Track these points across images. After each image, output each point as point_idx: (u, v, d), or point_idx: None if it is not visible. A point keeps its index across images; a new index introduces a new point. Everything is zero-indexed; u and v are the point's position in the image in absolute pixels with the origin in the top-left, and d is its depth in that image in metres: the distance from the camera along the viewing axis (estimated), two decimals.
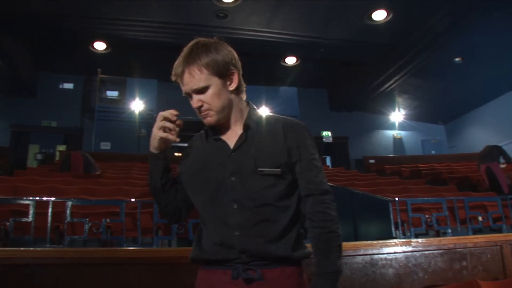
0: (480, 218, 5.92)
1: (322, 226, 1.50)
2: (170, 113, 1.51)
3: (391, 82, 14.41)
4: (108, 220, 4.88)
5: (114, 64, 13.03)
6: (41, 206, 4.65)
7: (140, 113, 13.88)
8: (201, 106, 1.51)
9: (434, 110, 16.69)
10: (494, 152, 8.63)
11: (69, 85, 14.20)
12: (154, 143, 1.55)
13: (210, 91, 1.50)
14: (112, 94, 14.09)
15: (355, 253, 3.37)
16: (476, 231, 5.70)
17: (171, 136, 1.51)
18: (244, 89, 1.63)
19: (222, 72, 1.51)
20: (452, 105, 15.95)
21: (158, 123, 1.51)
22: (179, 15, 10.75)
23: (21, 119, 13.07)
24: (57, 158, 11.50)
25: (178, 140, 1.52)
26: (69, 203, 4.73)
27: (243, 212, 1.48)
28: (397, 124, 17.49)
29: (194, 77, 1.48)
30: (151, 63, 13.13)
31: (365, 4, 10.39)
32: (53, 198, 4.86)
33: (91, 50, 12.41)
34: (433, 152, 17.06)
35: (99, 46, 12.28)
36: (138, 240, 4.94)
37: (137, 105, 13.88)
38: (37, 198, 4.76)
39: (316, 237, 1.50)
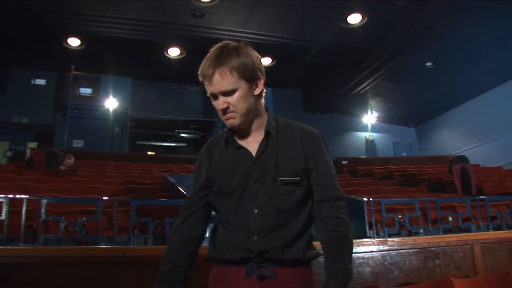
0: (450, 219, 6.05)
1: (337, 229, 1.56)
2: None
3: (364, 85, 14.64)
4: (84, 219, 4.80)
5: (88, 60, 12.81)
6: (13, 204, 4.54)
7: (114, 111, 13.67)
8: (227, 108, 1.54)
9: (405, 113, 17.01)
10: (464, 158, 8.94)
11: (41, 81, 13.91)
12: None
13: (237, 94, 1.53)
14: (86, 91, 13.82)
15: None
16: (446, 231, 5.80)
17: None
18: (264, 94, 1.66)
19: (249, 77, 1.55)
20: (422, 109, 16.30)
21: None
22: (156, 13, 10.66)
23: None
24: (27, 155, 11.24)
25: None
26: (44, 201, 4.63)
27: (263, 217, 1.53)
28: (369, 126, 17.73)
29: (224, 79, 1.51)
30: (125, 60, 13.02)
31: (341, 7, 10.53)
32: (27, 196, 4.74)
33: (65, 46, 12.17)
34: (404, 154, 17.35)
35: (73, 42, 12.07)
36: (114, 239, 4.87)
37: (110, 103, 13.67)
38: (11, 195, 4.64)
39: (330, 240, 1.57)
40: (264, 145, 1.59)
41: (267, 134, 1.61)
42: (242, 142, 1.63)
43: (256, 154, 1.58)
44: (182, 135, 16.32)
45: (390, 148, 18.00)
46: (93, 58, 12.73)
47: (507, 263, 4.00)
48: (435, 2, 9.88)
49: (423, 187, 9.46)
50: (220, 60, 1.50)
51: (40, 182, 7.12)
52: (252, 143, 1.61)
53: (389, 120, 17.76)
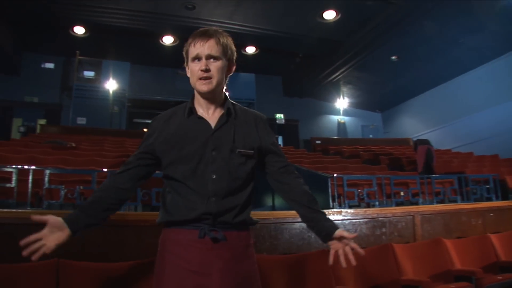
0: (402, 193, 6.26)
1: (302, 187, 1.71)
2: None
3: (337, 74, 14.71)
4: (81, 187, 4.89)
5: (91, 46, 12.73)
6: (22, 174, 4.61)
7: (113, 92, 13.64)
8: (208, 70, 1.57)
9: (373, 100, 17.11)
10: (428, 141, 9.05)
11: (50, 65, 13.83)
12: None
13: (218, 63, 1.59)
14: (89, 74, 13.73)
15: (294, 221, 3.57)
16: (398, 204, 5.93)
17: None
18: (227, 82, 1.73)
19: (229, 57, 1.65)
20: (387, 96, 16.41)
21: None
22: (152, 5, 10.60)
23: (5, 95, 12.68)
24: (38, 131, 11.28)
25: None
26: (47, 171, 4.72)
27: (221, 182, 1.56)
28: (341, 110, 17.70)
29: (215, 45, 1.58)
30: (124, 47, 12.92)
31: (317, 4, 10.60)
32: (33, 167, 4.82)
33: (71, 34, 12.11)
34: (370, 136, 17.39)
35: (79, 30, 12.04)
36: None
37: (111, 85, 13.60)
38: (19, 166, 4.72)
39: (306, 193, 1.70)
40: (223, 120, 1.63)
41: (228, 111, 1.65)
42: (202, 115, 1.65)
43: (215, 126, 1.61)
44: None
45: (359, 130, 18.05)
46: (95, 44, 12.65)
47: (440, 231, 4.24)
48: (399, 3, 10.01)
49: (384, 166, 9.59)
50: (214, 33, 1.60)
51: (47, 155, 7.16)
52: (212, 117, 1.64)
53: (358, 105, 17.86)
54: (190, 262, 1.52)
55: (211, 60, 1.57)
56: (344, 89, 16.57)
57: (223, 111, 1.66)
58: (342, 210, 3.86)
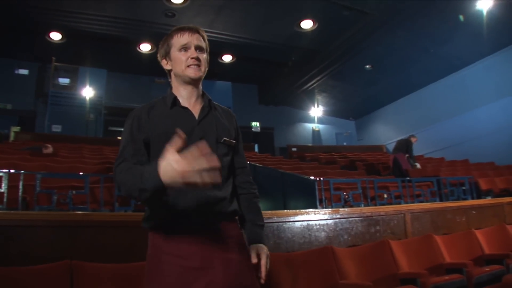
0: (385, 196, 6.50)
1: (251, 192, 1.76)
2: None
3: (312, 82, 14.99)
4: (74, 192, 4.85)
5: (67, 53, 12.53)
6: (10, 179, 4.53)
7: (90, 99, 13.49)
8: (199, 59, 1.63)
9: (347, 108, 17.48)
10: (403, 146, 9.32)
11: (24, 71, 13.47)
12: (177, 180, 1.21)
13: (204, 55, 1.68)
14: (65, 81, 13.45)
15: (295, 219, 3.71)
16: (382, 205, 6.21)
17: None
18: None
19: (208, 53, 1.73)
20: (361, 104, 16.80)
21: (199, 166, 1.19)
22: (131, 12, 10.56)
23: None
24: (11, 138, 10.97)
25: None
26: (39, 176, 4.68)
27: None
28: (316, 118, 18.04)
29: (202, 38, 1.68)
30: (101, 54, 12.79)
31: (295, 14, 10.83)
32: (23, 171, 4.76)
33: (47, 40, 11.86)
34: (345, 143, 17.69)
35: (55, 36, 11.80)
36: (100, 211, 4.94)
37: (87, 92, 13.46)
38: (10, 170, 4.63)
39: (248, 200, 1.74)
40: (205, 111, 1.66)
41: (209, 104, 1.70)
42: (187, 105, 1.66)
43: (199, 117, 1.63)
44: None
45: (333, 137, 18.37)
46: (72, 51, 12.45)
47: (429, 228, 4.48)
48: (374, 14, 10.39)
49: (362, 171, 9.88)
50: (199, 29, 1.69)
51: (27, 161, 7.02)
52: (193, 108, 1.66)
53: (333, 113, 18.20)
54: (191, 258, 1.47)
55: (198, 51, 1.65)
56: (319, 97, 16.87)
57: (203, 103, 1.70)
58: (340, 209, 4.02)
